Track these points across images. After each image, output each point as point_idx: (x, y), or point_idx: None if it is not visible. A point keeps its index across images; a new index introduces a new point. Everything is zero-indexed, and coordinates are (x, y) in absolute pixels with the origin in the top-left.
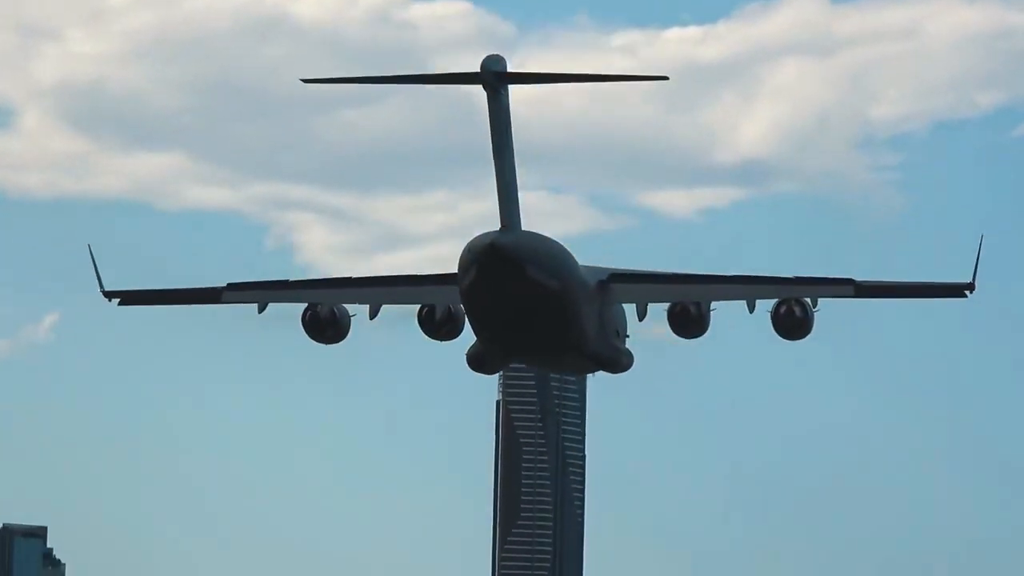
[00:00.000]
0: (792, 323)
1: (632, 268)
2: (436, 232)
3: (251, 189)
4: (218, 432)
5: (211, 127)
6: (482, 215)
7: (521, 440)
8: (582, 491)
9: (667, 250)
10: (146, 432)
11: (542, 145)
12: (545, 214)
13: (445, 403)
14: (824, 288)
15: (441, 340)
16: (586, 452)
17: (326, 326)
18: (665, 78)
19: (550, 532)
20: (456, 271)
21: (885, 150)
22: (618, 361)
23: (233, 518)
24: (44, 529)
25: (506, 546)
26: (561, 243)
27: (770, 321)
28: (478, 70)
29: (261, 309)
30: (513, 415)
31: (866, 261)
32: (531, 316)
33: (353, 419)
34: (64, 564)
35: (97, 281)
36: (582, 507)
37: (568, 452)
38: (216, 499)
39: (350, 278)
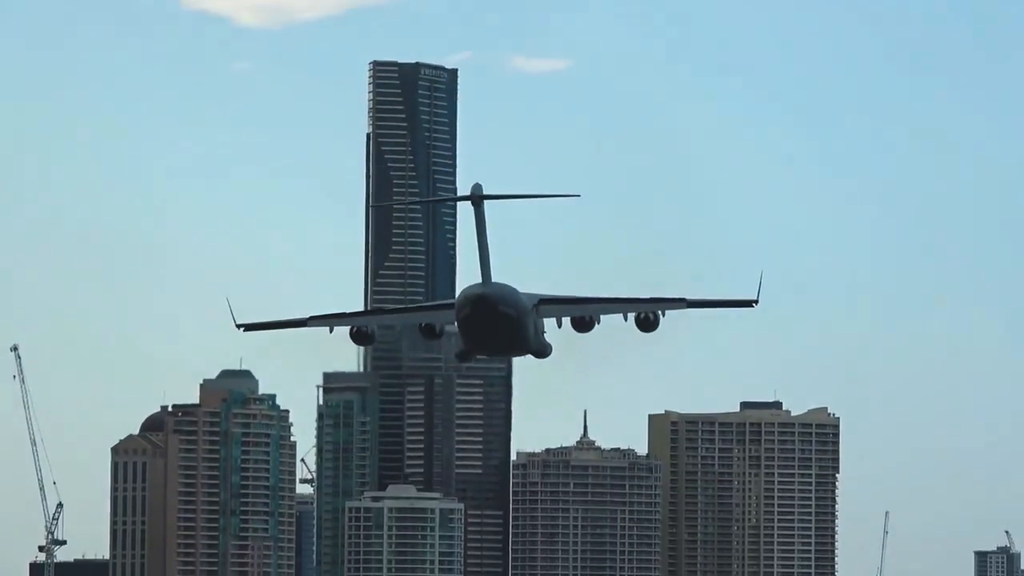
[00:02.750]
0: (648, 324)
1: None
2: None
3: None
4: None
5: None
6: None
7: (391, 172)
8: (454, 221)
9: None
10: None
11: None
12: None
13: (317, 135)
14: (668, 304)
15: (432, 341)
16: (457, 184)
17: (364, 337)
18: (577, 195)
19: (423, 263)
20: (454, 305)
21: None
22: (545, 352)
23: None
24: None
25: (378, 279)
26: (514, 287)
27: (634, 323)
28: (469, 194)
29: (331, 330)
30: (383, 148)
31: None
32: (500, 331)
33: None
34: None
35: (231, 318)
36: (454, 239)
37: (439, 181)
38: None
39: (383, 308)
